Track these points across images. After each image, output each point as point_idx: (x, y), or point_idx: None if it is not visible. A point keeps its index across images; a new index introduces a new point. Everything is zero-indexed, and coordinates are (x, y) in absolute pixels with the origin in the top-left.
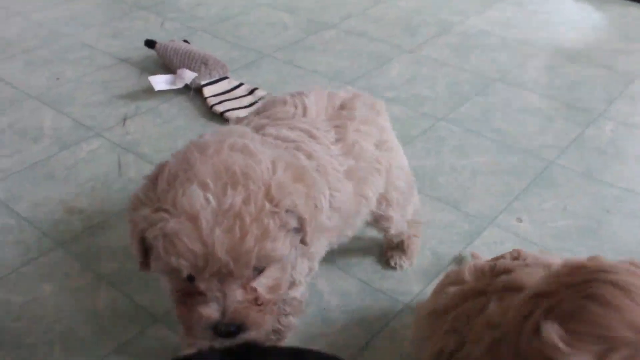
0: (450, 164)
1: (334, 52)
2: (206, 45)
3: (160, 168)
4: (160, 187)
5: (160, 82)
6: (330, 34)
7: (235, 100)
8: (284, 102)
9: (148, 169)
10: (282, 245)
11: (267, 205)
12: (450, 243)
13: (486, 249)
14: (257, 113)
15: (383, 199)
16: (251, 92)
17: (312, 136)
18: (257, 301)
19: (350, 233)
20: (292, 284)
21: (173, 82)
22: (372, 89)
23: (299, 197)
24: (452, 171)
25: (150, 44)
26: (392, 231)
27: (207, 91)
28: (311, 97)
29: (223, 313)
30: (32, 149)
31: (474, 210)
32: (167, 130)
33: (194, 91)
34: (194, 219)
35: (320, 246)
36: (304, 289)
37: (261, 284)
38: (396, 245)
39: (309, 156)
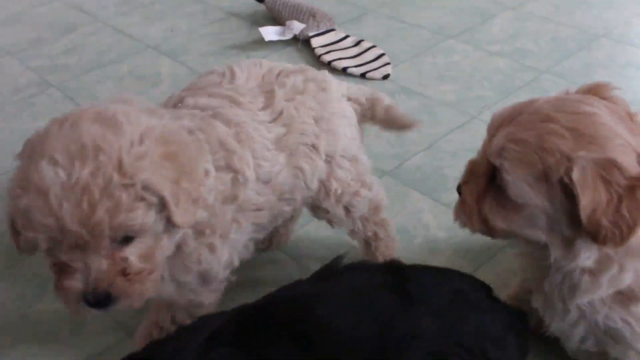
0: None
1: (437, 7)
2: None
3: (25, 143)
4: (20, 164)
5: (270, 32)
6: None
7: (342, 51)
8: (212, 72)
9: None
10: (143, 217)
11: (117, 177)
12: None
13: None
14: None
15: (322, 186)
16: (357, 43)
17: (234, 102)
18: (125, 271)
19: (287, 209)
20: (206, 279)
21: (282, 33)
22: (475, 43)
23: (157, 172)
24: None
25: None
26: (338, 227)
27: (315, 42)
28: (243, 66)
29: (86, 283)
30: (152, 92)
31: None
32: None
33: (302, 42)
34: (44, 194)
35: (243, 232)
36: (219, 285)
37: (132, 254)
38: (364, 246)
39: (228, 123)
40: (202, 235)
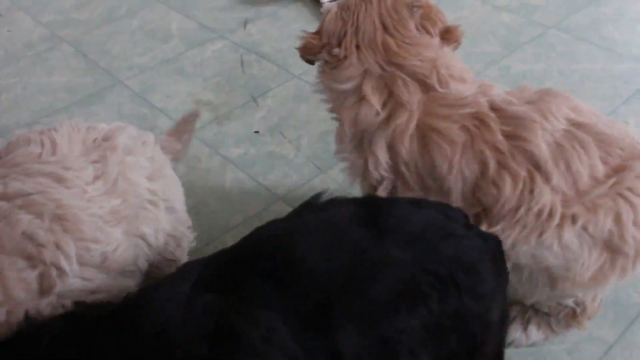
0: (558, 69)
1: None
2: None
3: None
4: None
5: None
6: None
7: None
8: (28, 141)
9: (270, 67)
10: None
11: None
12: None
13: None
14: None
15: (170, 238)
16: None
17: (58, 180)
18: None
19: (132, 284)
20: None
21: None
22: None
23: None
24: (560, 75)
25: None
26: None
27: None
28: (63, 131)
29: None
30: (162, 47)
31: None
32: (287, 32)
33: None
34: None
35: None
36: None
37: None
38: None
39: (42, 212)
40: None
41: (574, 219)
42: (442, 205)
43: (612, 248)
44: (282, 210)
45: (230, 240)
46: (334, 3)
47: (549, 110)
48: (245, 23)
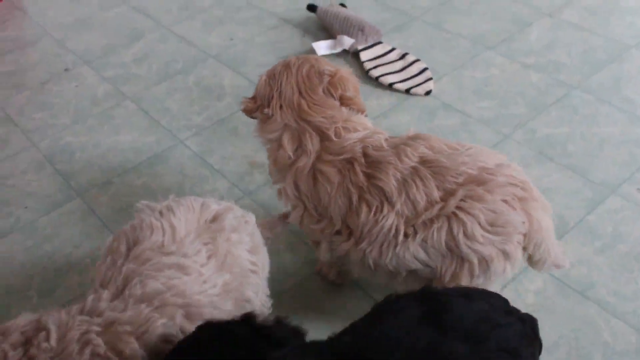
0: (580, 133)
1: (477, 14)
2: (359, 6)
3: None
4: None
5: (322, 47)
6: None
7: (388, 65)
8: (151, 229)
9: None
10: None
11: None
12: (574, 209)
13: (607, 216)
14: (128, 251)
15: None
16: (402, 56)
17: (181, 269)
18: None
19: None
20: None
21: (333, 47)
22: (512, 55)
23: None
24: (582, 139)
25: (312, 8)
26: None
27: (363, 56)
28: (180, 214)
29: None
30: (217, 106)
31: (599, 179)
32: None
33: (351, 55)
34: None
35: None
36: None
37: None
38: None
39: (172, 316)
40: None
41: (414, 235)
42: (486, 294)
43: (458, 255)
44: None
45: (285, 300)
46: (325, 43)
47: (404, 152)
48: None
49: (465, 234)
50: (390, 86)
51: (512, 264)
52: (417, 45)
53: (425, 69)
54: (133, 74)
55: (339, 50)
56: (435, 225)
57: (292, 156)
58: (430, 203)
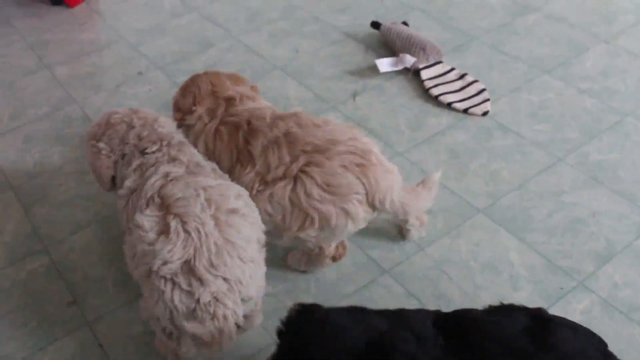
0: (631, 160)
1: (535, 37)
2: (421, 25)
3: None
4: None
5: (385, 64)
6: (533, 17)
7: (447, 85)
8: None
9: (378, 144)
10: None
11: None
12: (623, 233)
13: None
14: None
15: None
16: (461, 77)
17: None
18: None
19: None
20: None
21: (395, 65)
22: (567, 79)
23: None
24: (633, 166)
25: (375, 25)
26: None
27: (424, 74)
28: None
29: None
30: None
31: None
32: (390, 107)
33: (412, 73)
34: None
35: None
36: None
37: None
38: None
39: None
40: None
41: (264, 190)
42: (591, 334)
43: (301, 210)
44: (387, 283)
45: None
46: (388, 60)
47: (276, 125)
48: (354, 96)
49: (305, 193)
50: (448, 105)
51: (353, 220)
52: (475, 66)
53: (483, 90)
54: None
55: (400, 67)
56: (281, 184)
57: (207, 123)
58: (285, 166)
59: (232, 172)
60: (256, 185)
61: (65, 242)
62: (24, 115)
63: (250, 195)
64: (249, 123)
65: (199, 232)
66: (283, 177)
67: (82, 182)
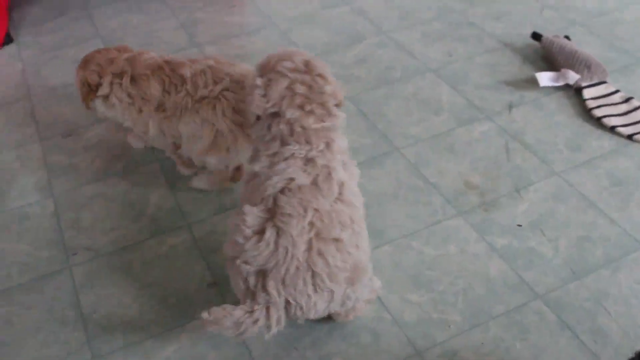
0: None
1: None
2: (582, 41)
3: None
4: None
5: (544, 78)
6: None
7: (611, 107)
8: None
9: (534, 160)
10: None
11: None
12: None
13: None
14: None
15: None
16: (627, 100)
17: None
18: None
19: None
20: None
21: (556, 80)
22: None
23: None
24: None
25: (536, 36)
26: None
27: (587, 93)
28: None
29: None
30: (434, 120)
31: None
32: (548, 123)
33: (574, 90)
34: None
35: None
36: None
37: None
38: None
39: None
40: None
41: (192, 107)
42: None
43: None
44: (540, 309)
45: (494, 329)
46: (548, 75)
47: (198, 61)
48: (510, 107)
49: (223, 112)
50: (612, 129)
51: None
52: None
53: None
54: (353, 75)
55: (561, 83)
56: (205, 101)
57: (120, 80)
58: (209, 90)
59: (164, 96)
60: (189, 103)
61: (207, 221)
62: None
63: (184, 113)
64: (167, 62)
65: (286, 252)
66: (208, 96)
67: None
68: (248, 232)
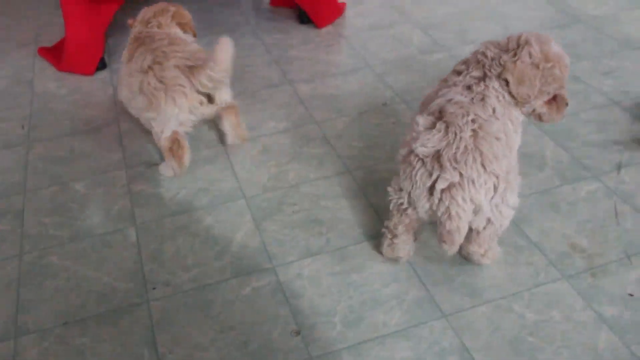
0: None
1: None
2: None
3: None
4: None
5: None
6: None
7: None
8: None
9: None
10: None
11: None
12: None
13: None
14: None
15: None
16: None
17: None
18: None
19: None
20: None
21: None
22: None
23: None
24: None
25: None
26: None
27: None
28: None
29: None
30: (537, 175)
31: None
32: None
33: None
34: None
35: None
36: None
37: None
38: None
39: None
40: None
41: (129, 78)
42: None
43: (147, 95)
44: None
45: None
46: None
47: (158, 34)
48: (619, 167)
49: (148, 83)
50: None
51: (180, 106)
52: None
53: None
54: None
55: None
56: (139, 74)
57: (133, 35)
58: (143, 62)
59: (152, 70)
60: (127, 75)
61: (293, 265)
62: (264, 126)
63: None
64: (149, 36)
65: (455, 134)
66: (140, 70)
67: (316, 205)
68: (421, 129)
